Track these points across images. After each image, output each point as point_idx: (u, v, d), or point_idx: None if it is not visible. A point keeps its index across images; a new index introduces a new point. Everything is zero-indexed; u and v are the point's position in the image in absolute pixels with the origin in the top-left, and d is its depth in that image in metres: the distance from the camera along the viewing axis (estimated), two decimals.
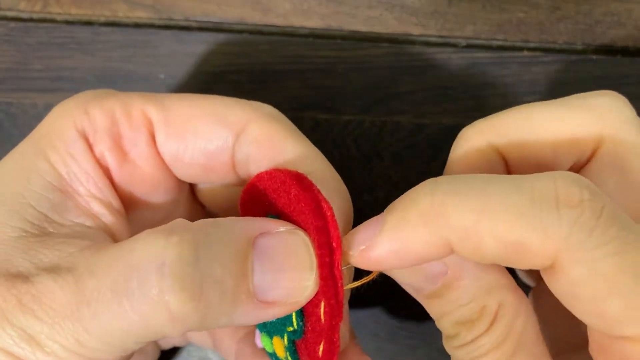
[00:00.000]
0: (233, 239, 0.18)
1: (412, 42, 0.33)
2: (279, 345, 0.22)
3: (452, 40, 0.33)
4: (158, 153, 0.23)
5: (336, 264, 0.18)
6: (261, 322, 0.19)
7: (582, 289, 0.17)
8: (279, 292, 0.19)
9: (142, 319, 0.18)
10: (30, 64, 0.32)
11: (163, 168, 0.23)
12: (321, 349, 0.19)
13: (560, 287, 0.17)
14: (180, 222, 0.19)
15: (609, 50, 0.33)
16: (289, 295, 0.19)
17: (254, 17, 0.32)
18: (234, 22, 0.32)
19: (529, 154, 0.21)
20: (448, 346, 0.20)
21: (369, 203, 0.31)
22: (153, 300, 0.17)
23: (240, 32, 0.32)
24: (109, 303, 0.18)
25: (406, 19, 0.33)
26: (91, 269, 0.18)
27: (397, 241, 0.18)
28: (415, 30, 0.33)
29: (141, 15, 0.32)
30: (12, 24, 0.32)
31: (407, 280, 0.20)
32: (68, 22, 0.32)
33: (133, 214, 0.24)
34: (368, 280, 0.20)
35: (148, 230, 0.19)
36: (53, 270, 0.19)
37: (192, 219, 0.20)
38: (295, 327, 0.20)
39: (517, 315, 0.19)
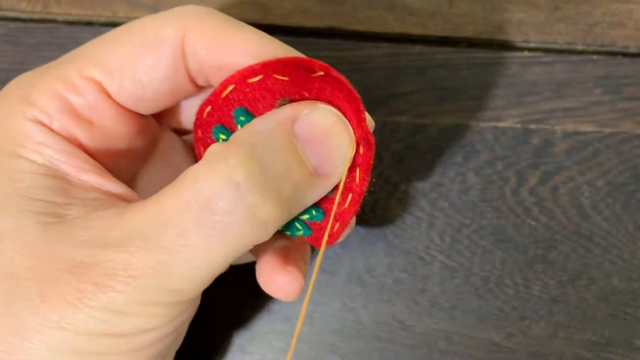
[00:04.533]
0: (277, 138, 0.20)
1: (412, 42, 0.33)
2: None
3: (452, 41, 0.33)
4: (119, 105, 0.22)
5: (365, 124, 0.21)
6: (324, 195, 0.22)
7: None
8: (331, 162, 0.21)
9: (238, 239, 0.19)
10: (30, 64, 0.32)
11: (128, 116, 0.23)
12: (349, 199, 0.22)
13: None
14: (219, 147, 0.19)
15: (609, 50, 0.33)
16: (339, 162, 0.21)
17: (254, 17, 0.32)
18: None
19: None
20: None
21: (369, 203, 0.31)
22: (245, 219, 0.19)
23: None
24: (197, 244, 0.19)
25: (406, 19, 0.33)
26: (154, 223, 0.19)
27: None
28: (415, 30, 0.33)
29: (141, 15, 0.32)
30: (13, 24, 0.32)
31: None
32: (68, 23, 0.32)
33: (126, 172, 0.24)
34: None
35: (193, 168, 0.19)
36: (111, 244, 0.19)
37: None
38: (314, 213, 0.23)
39: None
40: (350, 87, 0.20)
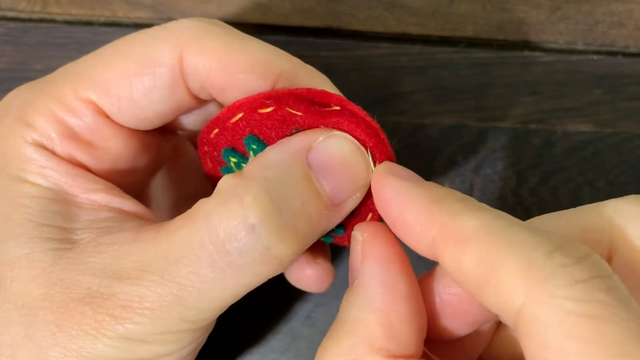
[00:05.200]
0: (292, 171, 0.19)
1: (412, 42, 0.32)
2: None
3: (452, 40, 0.33)
4: (119, 125, 0.22)
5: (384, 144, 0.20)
6: (346, 215, 0.21)
7: (546, 339, 0.14)
8: (347, 191, 0.20)
9: (253, 277, 0.19)
10: (30, 64, 0.32)
11: (130, 135, 0.22)
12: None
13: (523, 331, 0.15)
14: (232, 181, 0.19)
15: (609, 50, 0.33)
16: (356, 187, 0.20)
17: (254, 17, 0.32)
18: (234, 22, 0.32)
19: None
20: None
21: None
22: (260, 259, 0.18)
23: None
24: (212, 281, 0.19)
25: (406, 19, 0.33)
26: (169, 259, 0.19)
27: (404, 204, 0.18)
28: (415, 30, 0.33)
29: (141, 15, 0.32)
30: (12, 24, 0.32)
31: None
32: (68, 23, 0.32)
33: (135, 184, 0.24)
34: None
35: (206, 203, 0.19)
36: (124, 276, 0.19)
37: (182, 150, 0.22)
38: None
39: None
40: (369, 119, 0.19)
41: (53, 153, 0.21)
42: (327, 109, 0.20)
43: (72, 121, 0.21)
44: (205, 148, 0.23)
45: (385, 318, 0.18)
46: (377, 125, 0.19)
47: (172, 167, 0.27)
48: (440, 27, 0.33)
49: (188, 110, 0.23)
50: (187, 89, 0.21)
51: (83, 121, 0.21)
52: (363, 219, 0.21)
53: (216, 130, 0.22)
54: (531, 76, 0.32)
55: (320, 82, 0.22)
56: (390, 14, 0.33)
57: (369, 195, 0.21)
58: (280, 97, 0.20)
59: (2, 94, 0.32)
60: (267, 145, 0.21)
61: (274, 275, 0.19)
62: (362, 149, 0.20)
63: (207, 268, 0.18)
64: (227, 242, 0.18)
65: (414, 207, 0.18)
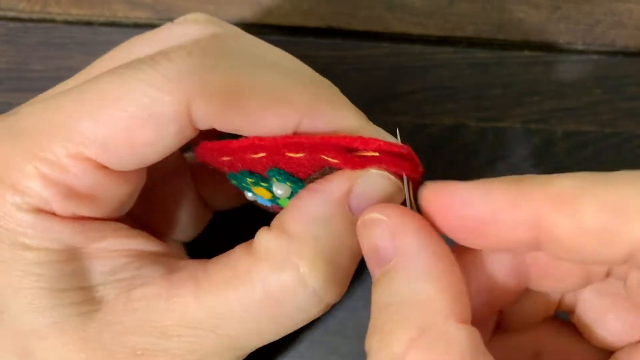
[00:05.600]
0: (339, 226, 0.19)
1: (412, 42, 0.32)
2: (262, 191, 0.22)
3: (452, 40, 0.33)
4: (118, 172, 0.20)
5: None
6: None
7: None
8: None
9: (305, 320, 0.20)
10: (30, 64, 0.32)
11: (133, 173, 0.21)
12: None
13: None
14: (276, 239, 0.19)
15: (609, 50, 0.33)
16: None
17: (254, 17, 0.32)
18: (234, 22, 0.32)
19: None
20: None
21: None
22: (316, 308, 0.20)
23: None
24: (267, 332, 0.20)
25: (406, 19, 0.33)
26: (221, 316, 0.19)
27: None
28: (415, 30, 0.33)
29: (141, 15, 0.32)
30: (12, 24, 0.32)
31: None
32: (68, 22, 0.32)
33: (142, 214, 0.24)
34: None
35: (257, 264, 0.19)
36: (168, 333, 0.19)
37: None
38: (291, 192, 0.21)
39: None
40: (407, 152, 0.19)
41: (53, 215, 0.19)
42: (364, 154, 0.19)
43: (68, 180, 0.19)
44: (206, 158, 0.22)
45: (447, 284, 0.17)
46: (415, 157, 0.19)
47: (169, 188, 0.26)
48: (440, 27, 0.33)
49: (189, 140, 0.22)
50: (195, 129, 0.19)
51: (79, 178, 0.19)
52: None
53: (228, 158, 0.20)
54: (531, 76, 0.32)
55: (343, 111, 0.20)
56: (390, 14, 0.33)
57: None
58: (313, 148, 0.19)
59: (2, 93, 0.32)
60: (294, 177, 0.20)
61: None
62: (400, 184, 0.20)
63: (266, 323, 0.19)
64: (288, 304, 0.19)
65: (498, 195, 0.17)
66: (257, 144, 0.19)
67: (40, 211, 0.19)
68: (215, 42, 0.20)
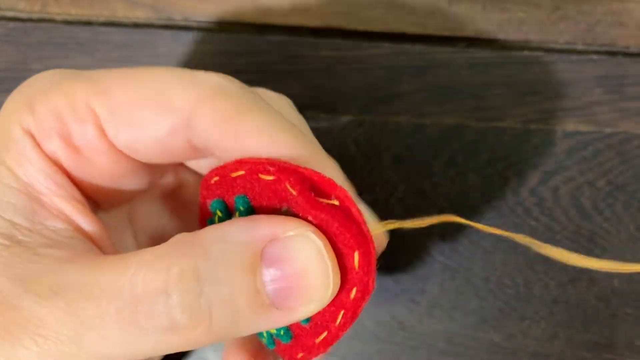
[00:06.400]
0: (237, 259, 0.18)
1: (412, 42, 0.32)
2: None
3: (452, 40, 0.33)
4: (112, 144, 0.21)
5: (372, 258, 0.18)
6: (291, 323, 0.19)
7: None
8: (294, 300, 0.18)
9: (154, 344, 0.18)
10: (29, 64, 0.32)
11: (121, 157, 0.22)
12: (353, 294, 0.18)
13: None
14: (180, 242, 0.18)
15: (609, 50, 0.33)
16: (308, 299, 0.18)
17: (254, 16, 0.32)
18: (234, 22, 0.32)
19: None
20: None
21: (369, 203, 0.31)
22: (164, 329, 0.17)
23: (239, 32, 0.32)
24: (115, 330, 0.18)
25: (406, 18, 0.33)
26: (85, 291, 0.18)
27: None
28: (415, 30, 0.33)
29: (140, 15, 0.32)
30: (11, 24, 0.32)
31: None
32: (67, 22, 0.32)
33: (107, 207, 0.23)
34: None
35: (145, 254, 0.18)
36: (36, 291, 0.18)
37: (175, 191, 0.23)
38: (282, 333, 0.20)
39: None
40: (365, 228, 0.18)
41: (37, 145, 0.20)
42: (324, 200, 0.18)
43: (70, 122, 0.21)
44: (204, 192, 0.22)
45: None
46: (370, 235, 0.18)
47: (171, 195, 0.26)
48: (440, 27, 0.33)
49: (185, 160, 0.23)
50: (187, 141, 0.21)
51: (80, 127, 0.21)
52: (316, 336, 0.20)
53: (216, 178, 0.21)
54: (531, 76, 0.32)
55: (329, 169, 0.20)
56: (390, 13, 0.33)
57: (328, 310, 0.19)
58: (283, 170, 0.18)
59: (2, 93, 0.32)
60: (253, 213, 0.20)
61: (183, 350, 0.18)
62: (330, 263, 0.18)
63: (113, 314, 0.18)
64: (140, 300, 0.18)
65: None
66: (241, 161, 0.20)
67: (30, 135, 0.20)
68: (232, 79, 0.22)
